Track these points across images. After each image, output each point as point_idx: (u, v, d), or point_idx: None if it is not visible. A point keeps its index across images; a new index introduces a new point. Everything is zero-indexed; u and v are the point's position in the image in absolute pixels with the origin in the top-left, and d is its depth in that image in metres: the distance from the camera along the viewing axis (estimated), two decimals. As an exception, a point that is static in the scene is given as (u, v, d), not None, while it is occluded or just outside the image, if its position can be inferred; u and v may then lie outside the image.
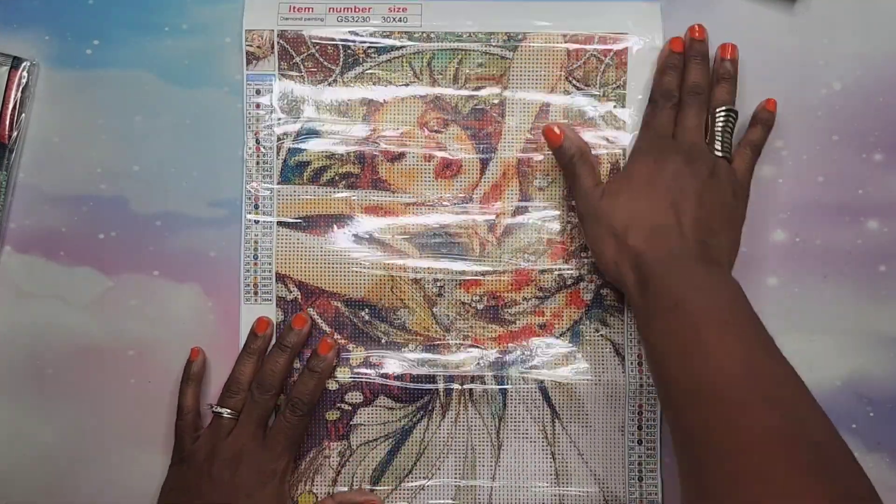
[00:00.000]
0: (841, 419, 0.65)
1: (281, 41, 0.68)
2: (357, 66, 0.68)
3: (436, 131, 0.68)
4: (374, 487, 0.66)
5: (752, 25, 0.64)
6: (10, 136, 0.64)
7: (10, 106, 0.63)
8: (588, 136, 0.67)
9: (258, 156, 0.67)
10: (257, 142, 0.67)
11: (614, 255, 0.60)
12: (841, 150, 0.64)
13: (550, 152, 0.65)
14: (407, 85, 0.68)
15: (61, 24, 0.66)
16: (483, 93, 0.68)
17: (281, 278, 0.67)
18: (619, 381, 0.66)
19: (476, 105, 0.68)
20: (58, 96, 0.66)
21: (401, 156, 0.68)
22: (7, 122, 0.64)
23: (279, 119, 0.67)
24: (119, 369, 0.66)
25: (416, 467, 0.66)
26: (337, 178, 0.68)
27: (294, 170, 0.67)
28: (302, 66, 0.68)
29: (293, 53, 0.68)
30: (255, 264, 0.67)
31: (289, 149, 0.67)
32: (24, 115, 0.65)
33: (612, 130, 0.67)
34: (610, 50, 0.68)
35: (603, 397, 0.66)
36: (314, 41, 0.68)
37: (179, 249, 0.60)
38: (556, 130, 0.63)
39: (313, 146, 0.67)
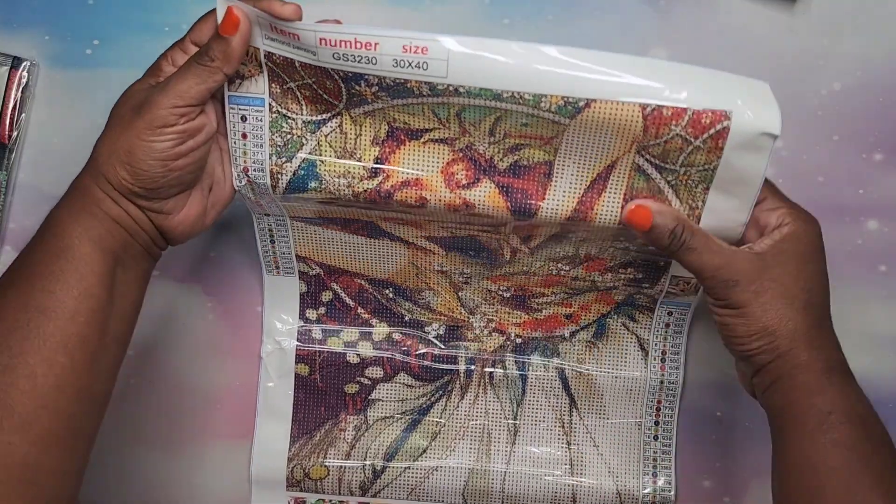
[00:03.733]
0: None
1: (269, 63, 0.51)
2: (365, 104, 0.52)
3: (464, 186, 0.55)
4: (387, 464, 0.67)
5: (752, 25, 0.62)
6: (9, 136, 0.63)
7: (10, 106, 0.63)
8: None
9: (253, 188, 0.57)
10: (247, 176, 0.56)
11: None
12: (841, 150, 0.63)
13: (602, 223, 0.54)
14: (429, 130, 0.53)
15: (61, 24, 0.64)
16: (527, 151, 0.53)
17: (301, 259, 0.63)
18: (640, 376, 0.66)
19: (517, 161, 0.53)
20: (58, 96, 0.64)
21: (420, 207, 0.56)
22: (7, 122, 0.63)
23: (271, 155, 0.55)
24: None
25: (430, 447, 0.67)
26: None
27: (297, 196, 0.57)
28: (298, 93, 0.52)
29: (286, 78, 0.51)
30: (273, 246, 0.62)
31: (284, 188, 0.56)
32: (23, 115, 0.64)
33: (686, 210, 0.54)
34: (705, 130, 0.49)
35: (622, 390, 0.67)
36: (308, 73, 0.51)
37: (179, 249, 0.59)
38: (641, 206, 0.52)
39: (314, 188, 0.55)
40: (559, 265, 0.61)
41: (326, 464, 0.67)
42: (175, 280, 0.66)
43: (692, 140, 0.50)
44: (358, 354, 0.67)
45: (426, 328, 0.66)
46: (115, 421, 0.66)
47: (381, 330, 0.67)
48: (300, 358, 0.67)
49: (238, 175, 0.55)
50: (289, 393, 0.67)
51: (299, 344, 0.67)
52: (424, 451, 0.67)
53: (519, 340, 0.66)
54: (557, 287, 0.63)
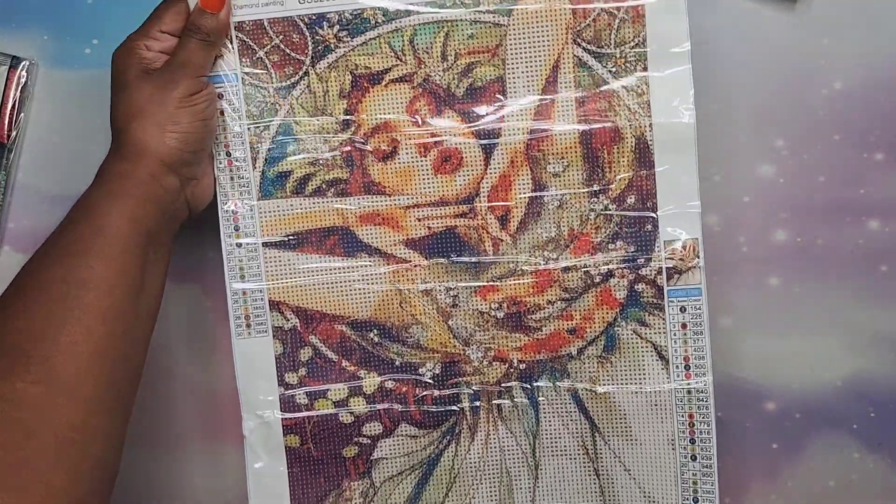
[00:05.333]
0: (842, 419, 0.65)
1: (239, 35, 0.58)
2: (329, 53, 0.59)
3: (429, 122, 0.59)
4: None
5: (752, 25, 0.62)
6: (8, 136, 0.63)
7: (9, 106, 0.63)
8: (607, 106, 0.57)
9: (231, 170, 0.59)
10: (228, 154, 0.59)
11: None
12: (842, 149, 0.63)
13: (563, 131, 0.56)
14: (389, 70, 0.58)
15: (60, 23, 0.64)
16: (478, 70, 0.58)
17: (275, 305, 0.60)
18: (664, 388, 0.59)
19: (472, 84, 0.58)
20: (57, 96, 0.65)
21: (393, 152, 0.59)
22: (6, 122, 0.63)
23: (249, 126, 0.59)
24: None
25: (447, 498, 0.60)
26: (324, 185, 0.59)
27: (274, 182, 0.59)
28: (267, 61, 0.59)
29: (255, 47, 0.59)
30: (244, 294, 0.60)
31: (265, 158, 0.59)
32: (22, 114, 0.64)
33: (635, 98, 0.57)
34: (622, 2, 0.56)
35: (646, 406, 0.59)
36: (276, 30, 0.58)
37: (179, 249, 0.59)
38: None
39: (292, 152, 0.59)
40: (545, 253, 0.59)
41: None
42: (175, 280, 0.65)
43: (616, 13, 0.57)
44: (351, 413, 0.60)
45: (420, 370, 0.60)
46: None
47: (371, 381, 0.60)
48: (288, 429, 0.60)
49: (219, 154, 0.59)
50: (281, 470, 0.60)
51: (284, 414, 0.59)
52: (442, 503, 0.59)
53: (523, 366, 0.60)
54: (551, 291, 0.60)
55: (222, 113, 0.59)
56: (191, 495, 0.67)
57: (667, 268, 0.58)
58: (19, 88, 0.63)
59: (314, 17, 0.58)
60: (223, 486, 0.66)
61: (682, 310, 0.59)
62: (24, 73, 0.63)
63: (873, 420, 0.64)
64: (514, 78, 0.58)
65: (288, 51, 0.58)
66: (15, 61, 0.63)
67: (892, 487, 0.64)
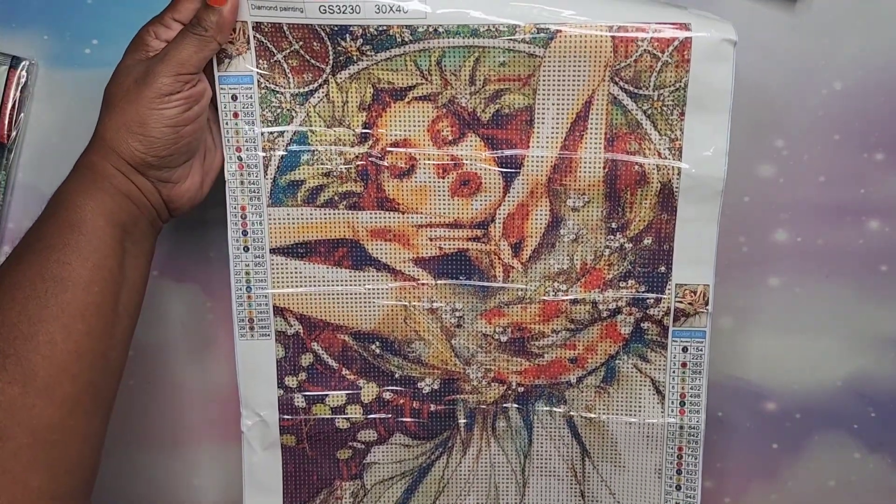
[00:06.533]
0: (842, 419, 0.66)
1: (257, 35, 0.55)
2: (351, 64, 0.56)
3: (450, 142, 0.56)
4: None
5: (752, 25, 0.61)
6: (8, 136, 0.63)
7: (9, 105, 0.62)
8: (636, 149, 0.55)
9: (242, 174, 0.57)
10: (239, 158, 0.57)
11: None
12: (842, 149, 0.63)
13: (588, 168, 0.55)
14: (413, 87, 0.56)
15: (60, 23, 0.63)
16: (507, 97, 0.55)
17: (279, 311, 0.59)
18: (658, 421, 0.60)
19: (499, 111, 0.56)
20: (57, 96, 0.64)
21: (410, 170, 0.57)
22: (6, 122, 0.62)
23: (263, 131, 0.56)
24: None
25: None
26: (336, 197, 0.58)
27: (286, 190, 0.57)
28: (285, 65, 0.56)
29: (273, 50, 0.55)
30: (249, 297, 0.59)
31: (277, 166, 0.57)
32: (22, 114, 0.63)
33: (667, 143, 0.55)
34: (669, 42, 0.53)
35: (638, 437, 0.60)
36: (296, 36, 0.55)
37: (179, 249, 0.60)
38: None
39: (306, 161, 0.57)
40: (556, 284, 0.58)
41: None
42: (175, 280, 0.65)
43: (660, 55, 0.54)
44: (347, 419, 0.61)
45: (418, 384, 0.60)
46: (115, 421, 0.65)
47: (369, 391, 0.60)
48: (284, 429, 0.61)
49: (230, 157, 0.56)
50: (276, 466, 0.61)
51: (282, 415, 0.60)
52: None
53: (521, 389, 0.60)
54: (557, 321, 0.59)
55: (235, 115, 0.56)
56: (191, 495, 0.68)
57: (675, 309, 0.58)
58: (19, 88, 0.63)
59: (336, 29, 0.54)
60: (223, 486, 0.67)
61: (685, 350, 0.59)
62: (24, 73, 0.63)
63: (873, 420, 0.65)
64: (543, 109, 0.56)
65: (308, 57, 0.55)
66: (15, 61, 0.62)
67: (892, 487, 0.65)
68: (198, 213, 0.63)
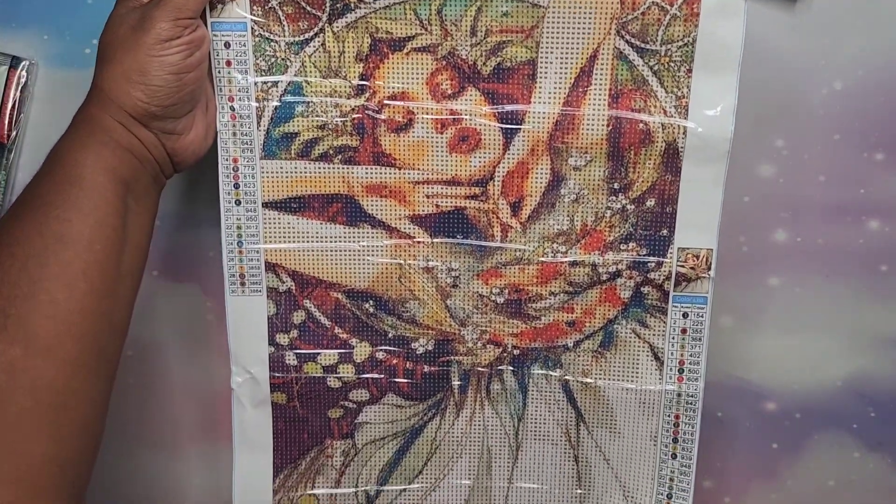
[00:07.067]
0: (842, 419, 0.66)
1: None
2: (348, 12, 0.54)
3: (450, 96, 0.55)
4: (381, 489, 0.61)
5: (752, 25, 0.58)
6: (8, 136, 0.62)
7: (9, 106, 0.62)
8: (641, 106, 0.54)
9: (234, 125, 0.55)
10: (232, 108, 0.55)
11: None
12: (842, 149, 0.62)
13: (591, 125, 0.53)
14: (412, 37, 0.54)
15: (60, 23, 0.63)
16: (509, 49, 0.53)
17: (271, 267, 0.58)
18: (655, 388, 0.59)
19: (500, 64, 0.54)
20: (57, 96, 0.63)
21: (407, 125, 0.55)
22: (6, 122, 0.62)
23: (256, 82, 0.55)
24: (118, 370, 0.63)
25: (426, 468, 0.61)
26: (331, 151, 0.56)
27: (279, 143, 0.56)
28: (280, 12, 0.54)
29: (268, -6, 0.53)
30: (241, 252, 0.57)
31: (271, 117, 0.55)
32: (22, 114, 0.63)
33: (673, 101, 0.53)
34: (678, -5, 0.52)
35: (635, 403, 0.59)
36: None
37: (178, 249, 0.60)
38: None
39: (301, 113, 0.55)
40: (555, 245, 0.57)
41: (315, 493, 0.61)
42: (175, 280, 0.65)
43: (668, 8, 0.52)
44: (339, 378, 0.59)
45: (412, 344, 0.59)
46: (115, 421, 0.64)
47: (362, 350, 0.59)
48: (275, 387, 0.59)
49: (222, 107, 0.54)
50: (267, 424, 0.60)
51: (272, 373, 0.59)
52: (420, 472, 0.61)
53: (517, 352, 0.59)
54: (556, 283, 0.58)
55: (228, 63, 0.54)
56: (191, 495, 0.68)
57: (677, 274, 0.57)
58: (19, 88, 0.62)
59: None
60: (223, 486, 0.67)
61: (685, 315, 0.58)
62: (24, 73, 0.62)
63: (873, 420, 0.65)
64: (546, 63, 0.54)
65: (303, 4, 0.53)
66: (15, 61, 0.62)
67: (892, 487, 0.65)
68: (198, 214, 0.64)
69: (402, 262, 0.58)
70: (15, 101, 0.62)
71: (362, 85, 0.54)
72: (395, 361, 0.59)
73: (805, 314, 0.64)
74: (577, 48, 0.53)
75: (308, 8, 0.53)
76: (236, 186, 0.56)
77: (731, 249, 0.63)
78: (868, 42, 0.61)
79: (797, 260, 0.63)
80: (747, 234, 0.63)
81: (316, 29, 0.54)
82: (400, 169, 0.56)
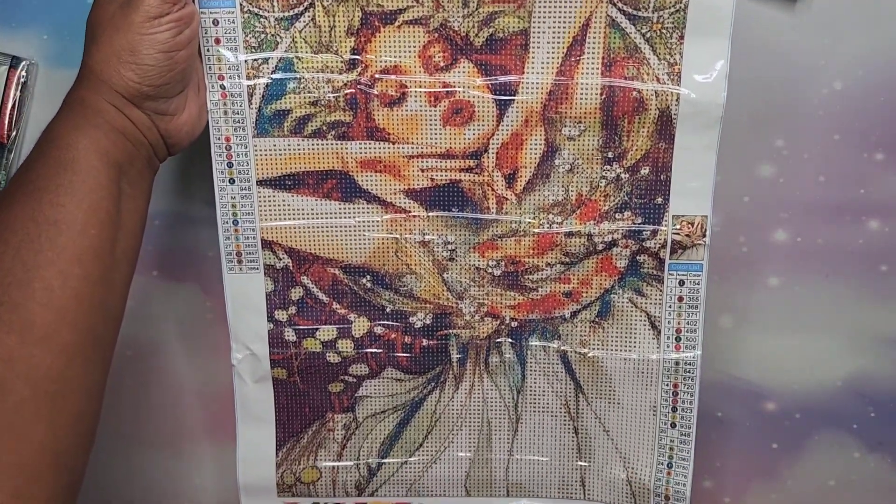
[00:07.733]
0: (842, 419, 0.66)
1: None
2: (339, -15, 0.53)
3: (442, 69, 0.54)
4: (382, 461, 0.62)
5: (752, 25, 0.60)
6: (8, 136, 0.62)
7: (9, 105, 0.62)
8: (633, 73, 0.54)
9: (225, 104, 0.55)
10: (222, 87, 0.55)
11: None
12: (842, 149, 0.62)
13: (585, 94, 0.53)
14: (404, 10, 0.53)
15: (60, 23, 0.62)
16: (501, 20, 0.53)
17: (268, 244, 0.58)
18: (653, 357, 0.59)
19: (493, 35, 0.54)
20: (56, 96, 0.60)
21: (400, 99, 0.55)
22: (6, 122, 0.62)
23: (246, 59, 0.54)
24: (117, 370, 0.62)
25: (427, 441, 0.62)
26: (325, 127, 0.56)
27: (271, 120, 0.55)
28: (270, -14, 0.53)
29: (256, -31, 0.53)
30: (236, 231, 0.57)
31: (262, 95, 0.55)
32: (22, 114, 0.63)
33: (665, 67, 0.53)
34: (669, -39, 0.52)
35: (633, 372, 0.59)
36: None
37: (179, 249, 0.60)
38: None
39: (292, 90, 0.55)
40: (550, 216, 0.57)
41: (318, 465, 0.62)
42: (175, 280, 0.65)
43: (659, -28, 0.52)
44: (338, 354, 0.59)
45: (410, 318, 0.59)
46: (115, 421, 0.66)
47: (360, 325, 0.59)
48: (275, 363, 0.60)
49: (213, 86, 0.54)
50: (268, 399, 0.60)
51: (272, 349, 0.59)
52: (421, 445, 0.61)
53: (515, 324, 0.59)
54: (552, 254, 0.58)
55: (217, 41, 0.54)
56: (191, 495, 0.69)
57: (672, 241, 0.57)
58: (19, 88, 0.62)
59: None
60: (223, 486, 0.68)
61: (681, 283, 0.58)
62: (24, 73, 0.62)
63: (873, 420, 0.65)
64: (539, 32, 0.53)
65: None
66: (15, 61, 0.62)
67: (892, 487, 0.66)
68: (197, 213, 0.64)
69: (398, 236, 0.58)
70: (15, 101, 0.62)
71: (354, 59, 0.54)
72: (393, 336, 0.59)
73: (805, 314, 0.64)
74: (570, 17, 0.53)
75: None
76: (230, 165, 0.56)
77: (730, 249, 0.63)
78: (868, 42, 0.61)
79: (797, 260, 0.63)
80: (747, 234, 0.63)
81: (306, 3, 0.53)
82: (394, 143, 0.56)
